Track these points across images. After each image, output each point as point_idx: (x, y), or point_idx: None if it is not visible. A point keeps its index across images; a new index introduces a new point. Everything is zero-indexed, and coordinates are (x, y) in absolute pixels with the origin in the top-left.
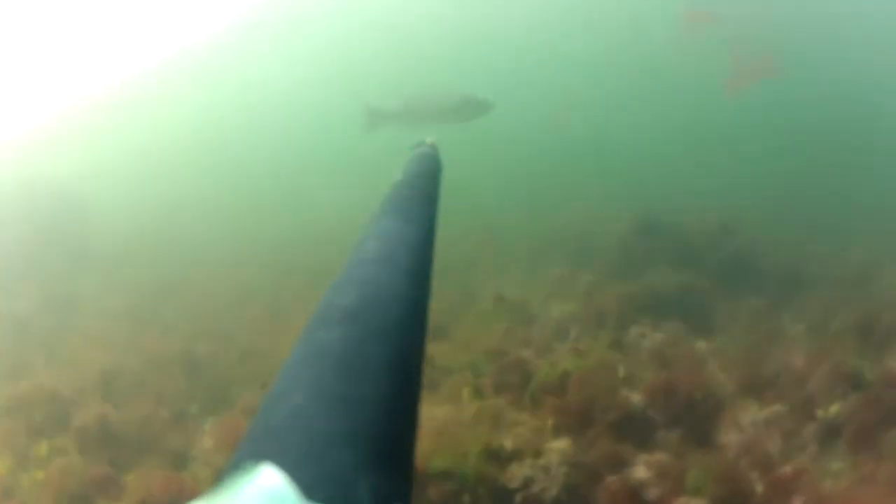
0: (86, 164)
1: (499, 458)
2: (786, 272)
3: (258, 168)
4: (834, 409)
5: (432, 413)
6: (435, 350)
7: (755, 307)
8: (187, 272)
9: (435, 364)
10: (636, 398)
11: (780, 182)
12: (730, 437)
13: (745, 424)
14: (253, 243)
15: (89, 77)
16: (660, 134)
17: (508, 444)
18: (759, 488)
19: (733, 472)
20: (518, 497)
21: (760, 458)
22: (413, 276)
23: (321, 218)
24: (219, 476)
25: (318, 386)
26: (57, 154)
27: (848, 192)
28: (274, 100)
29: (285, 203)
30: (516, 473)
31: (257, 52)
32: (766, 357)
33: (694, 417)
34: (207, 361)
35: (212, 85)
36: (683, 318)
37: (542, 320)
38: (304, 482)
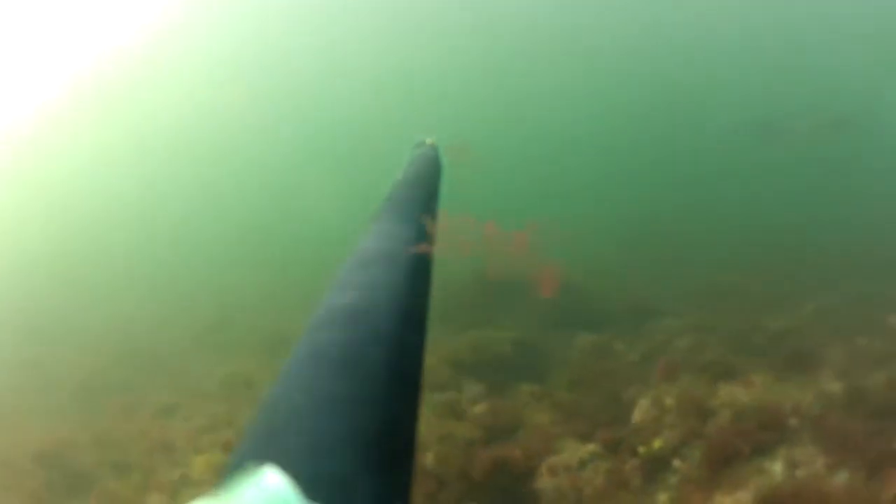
0: None
1: None
2: (624, 310)
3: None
4: (657, 443)
5: None
6: None
7: (586, 347)
8: (38, 355)
9: None
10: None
11: (613, 221)
12: (545, 483)
13: (560, 468)
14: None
15: None
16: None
17: None
18: None
19: None
20: None
21: (575, 501)
22: (413, 276)
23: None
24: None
25: (318, 387)
26: None
27: (684, 223)
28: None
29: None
30: None
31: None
32: (595, 394)
33: (513, 469)
34: (63, 451)
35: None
36: (506, 366)
37: None
38: (304, 482)
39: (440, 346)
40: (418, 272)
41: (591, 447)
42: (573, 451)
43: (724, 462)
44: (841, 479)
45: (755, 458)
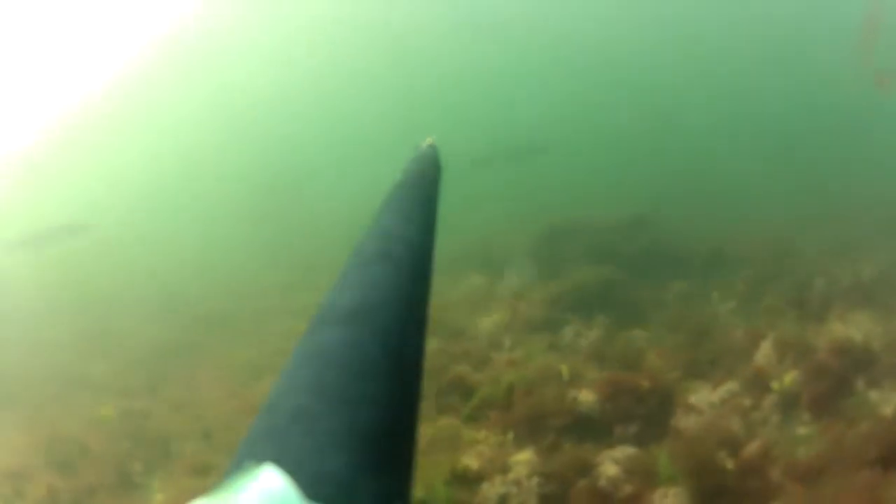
0: None
1: (466, 479)
2: (705, 255)
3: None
4: (788, 378)
5: None
6: None
7: (680, 292)
8: (106, 325)
9: None
10: (586, 398)
11: (686, 170)
12: (688, 422)
13: (701, 406)
14: (174, 291)
15: None
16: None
17: (473, 464)
18: (730, 466)
19: (701, 455)
20: None
21: (725, 437)
22: (413, 275)
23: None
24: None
25: (319, 386)
26: None
27: (754, 175)
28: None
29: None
30: (489, 493)
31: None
32: (705, 338)
33: (647, 408)
34: (142, 418)
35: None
36: (611, 312)
37: (472, 333)
38: (305, 482)
39: (536, 293)
40: (418, 271)
41: (728, 385)
42: (707, 391)
43: (847, 394)
44: None
45: (872, 390)
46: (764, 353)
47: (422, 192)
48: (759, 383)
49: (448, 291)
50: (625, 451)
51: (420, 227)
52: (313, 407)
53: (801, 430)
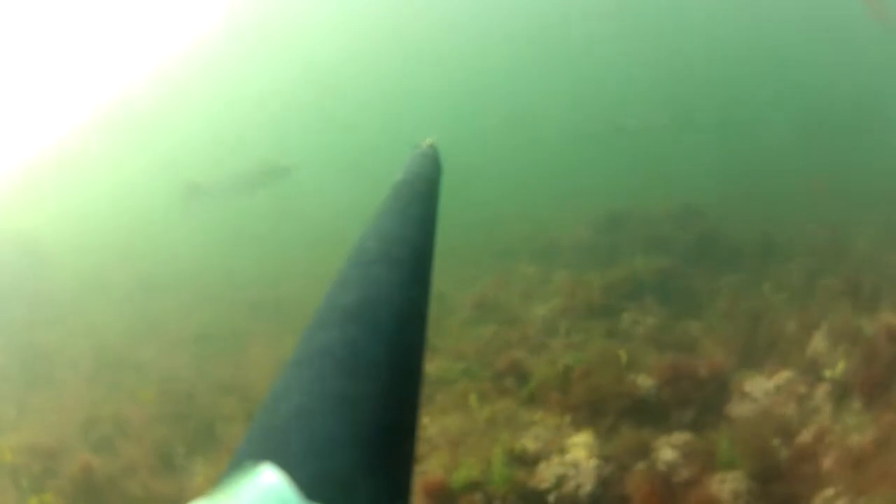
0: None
1: (523, 460)
2: (757, 246)
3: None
4: (841, 366)
5: (443, 424)
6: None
7: (734, 283)
8: (152, 311)
9: (429, 376)
10: (644, 382)
11: (737, 161)
12: (743, 409)
13: (756, 394)
14: (219, 278)
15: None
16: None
17: (530, 444)
18: (785, 453)
19: (757, 442)
20: (551, 498)
21: (780, 424)
22: (413, 275)
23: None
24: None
25: (319, 386)
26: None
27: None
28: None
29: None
30: (546, 474)
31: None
32: (759, 327)
33: (703, 395)
34: (186, 400)
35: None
36: (667, 301)
37: (528, 320)
38: (304, 482)
39: (592, 281)
40: (418, 272)
41: (784, 373)
42: (762, 379)
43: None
44: None
45: None
46: (817, 342)
47: (422, 191)
48: (812, 371)
49: (505, 278)
50: (682, 437)
51: (420, 226)
52: (313, 407)
53: (854, 418)
